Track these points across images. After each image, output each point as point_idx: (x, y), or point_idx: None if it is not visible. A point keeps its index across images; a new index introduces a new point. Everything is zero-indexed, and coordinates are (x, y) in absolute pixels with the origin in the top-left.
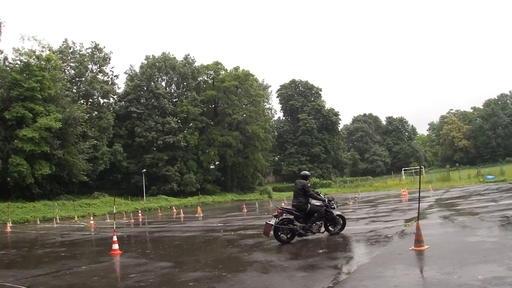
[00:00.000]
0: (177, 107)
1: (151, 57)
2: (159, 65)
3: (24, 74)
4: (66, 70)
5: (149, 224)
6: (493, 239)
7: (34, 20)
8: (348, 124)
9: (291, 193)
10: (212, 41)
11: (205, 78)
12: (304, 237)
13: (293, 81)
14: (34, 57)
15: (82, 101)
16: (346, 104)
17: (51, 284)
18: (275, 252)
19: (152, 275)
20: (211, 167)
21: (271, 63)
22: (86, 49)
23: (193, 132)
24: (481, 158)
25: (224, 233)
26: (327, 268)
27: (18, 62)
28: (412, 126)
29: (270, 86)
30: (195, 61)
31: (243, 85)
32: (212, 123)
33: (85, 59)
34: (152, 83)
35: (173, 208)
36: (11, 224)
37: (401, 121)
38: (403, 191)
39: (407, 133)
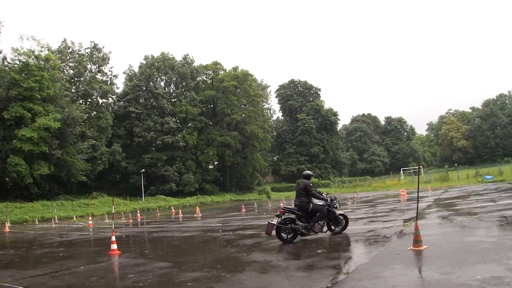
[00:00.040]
0: (176, 107)
1: (150, 57)
2: (158, 65)
3: (23, 74)
4: (65, 70)
5: (147, 224)
6: (491, 239)
7: (33, 20)
8: (347, 124)
9: (290, 193)
10: (211, 41)
11: (204, 78)
12: (307, 237)
13: (292, 81)
14: (33, 57)
15: (81, 101)
16: (345, 104)
17: (50, 284)
18: (273, 252)
19: (150, 275)
20: (210, 167)
21: (270, 63)
22: (85, 49)
23: (192, 132)
24: (479, 158)
25: (222, 233)
26: (326, 268)
27: (17, 62)
28: (411, 126)
29: (269, 86)
30: (194, 61)
31: (242, 85)
32: (211, 123)
33: (84, 59)
34: (151, 83)
35: (172, 208)
36: (9, 224)
37: (400, 121)
38: (402, 191)
39: (405, 133)
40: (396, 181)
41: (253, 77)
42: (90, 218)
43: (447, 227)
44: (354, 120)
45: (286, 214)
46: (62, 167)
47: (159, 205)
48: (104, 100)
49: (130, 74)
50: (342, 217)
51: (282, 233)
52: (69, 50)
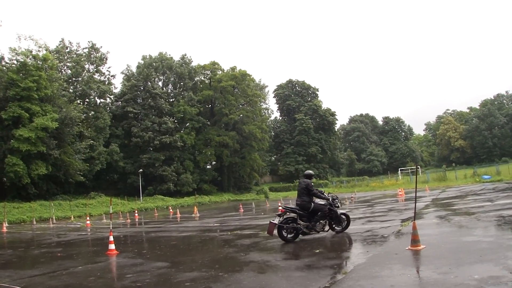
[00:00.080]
0: (173, 107)
1: (148, 57)
2: (156, 65)
3: (21, 74)
4: (62, 70)
5: (145, 224)
6: (489, 239)
7: (30, 20)
8: (345, 124)
9: (288, 193)
10: (209, 41)
11: (202, 78)
12: (308, 236)
13: (290, 81)
14: (30, 56)
15: (78, 101)
16: (342, 104)
17: (47, 284)
18: (271, 252)
19: (148, 275)
20: (208, 167)
21: (268, 63)
22: (83, 49)
23: (189, 132)
24: (477, 158)
25: (220, 233)
26: (324, 268)
27: (15, 62)
28: (409, 126)
29: (267, 86)
30: (192, 61)
31: (240, 85)
32: (208, 123)
33: (82, 59)
34: (149, 83)
35: (170, 208)
36: (7, 224)
37: (398, 121)
38: (400, 191)
39: (403, 133)
40: (394, 181)
41: (251, 77)
42: (88, 218)
43: (444, 227)
44: (352, 120)
45: (288, 213)
46: (60, 167)
47: (157, 205)
48: (102, 100)
49: (128, 74)
50: (344, 217)
51: (283, 232)
52: (67, 50)
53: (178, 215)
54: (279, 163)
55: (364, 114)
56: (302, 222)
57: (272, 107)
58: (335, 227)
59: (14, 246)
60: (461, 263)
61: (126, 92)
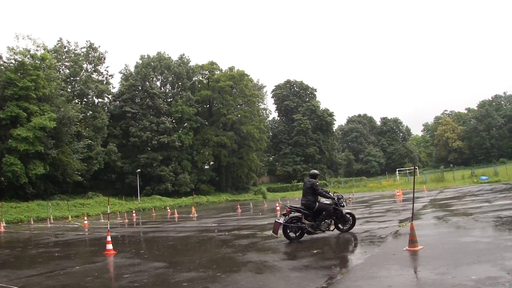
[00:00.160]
0: (171, 107)
1: (146, 56)
2: (154, 65)
3: (19, 73)
4: (60, 70)
5: (143, 224)
6: (487, 240)
7: (29, 19)
8: (343, 124)
9: (286, 193)
10: (207, 41)
11: (200, 78)
12: (313, 235)
13: (288, 82)
14: (28, 56)
15: (76, 101)
16: (340, 104)
17: (45, 284)
18: (269, 253)
19: (146, 275)
20: (206, 167)
21: (266, 64)
22: (81, 48)
23: (187, 132)
24: (475, 159)
25: (218, 233)
26: (321, 268)
27: (13, 61)
28: (407, 127)
29: (265, 86)
30: (190, 61)
31: (238, 85)
32: (206, 123)
33: (80, 59)
34: (147, 83)
35: (167, 208)
36: (4, 224)
37: (396, 121)
38: (397, 192)
39: (401, 134)
40: (392, 181)
41: (249, 77)
42: (85, 218)
43: (442, 227)
44: (350, 120)
45: (293, 212)
46: (58, 167)
47: (155, 205)
48: (100, 100)
49: (126, 73)
50: (349, 216)
51: (289, 232)
52: (65, 50)
53: (176, 215)
54: (277, 164)
55: (362, 114)
56: (307, 222)
57: (270, 108)
58: (341, 227)
59: (12, 246)
60: (459, 264)
61: (124, 92)
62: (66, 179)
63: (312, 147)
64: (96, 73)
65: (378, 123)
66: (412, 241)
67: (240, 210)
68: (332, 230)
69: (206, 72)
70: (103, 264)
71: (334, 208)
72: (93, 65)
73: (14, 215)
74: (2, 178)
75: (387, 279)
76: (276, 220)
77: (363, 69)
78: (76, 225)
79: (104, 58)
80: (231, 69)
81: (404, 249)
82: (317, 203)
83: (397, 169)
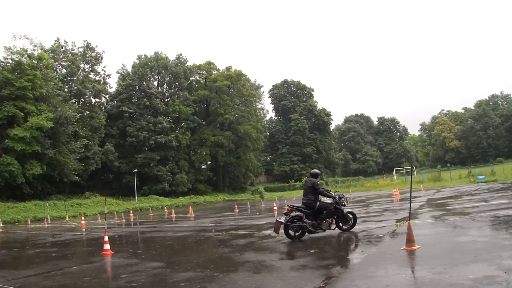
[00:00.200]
0: (169, 106)
1: (143, 56)
2: (151, 65)
3: (16, 73)
4: (57, 69)
5: (140, 224)
6: (484, 239)
7: (26, 19)
8: (340, 124)
9: (283, 193)
10: (205, 41)
11: (197, 78)
12: (315, 234)
13: (285, 81)
14: (25, 56)
15: (73, 101)
16: (338, 104)
17: (42, 284)
18: (267, 252)
19: (143, 275)
20: (203, 167)
21: (264, 63)
22: (78, 48)
23: (185, 132)
24: (472, 158)
25: (215, 233)
26: (319, 268)
27: (10, 61)
28: (404, 126)
29: (262, 86)
30: (188, 61)
31: (235, 85)
32: (204, 123)
33: (77, 58)
34: (144, 83)
35: (165, 208)
36: (1, 224)
37: (393, 121)
38: (395, 191)
39: (398, 134)
40: (389, 181)
41: (246, 77)
42: (82, 218)
43: (439, 227)
44: (347, 120)
45: (294, 212)
46: (55, 167)
47: (152, 205)
48: (97, 100)
49: (123, 73)
50: (350, 215)
51: (290, 231)
52: (62, 49)
53: (173, 215)
54: (274, 163)
55: (359, 114)
56: (308, 221)
57: (267, 107)
58: (342, 226)
59: (9, 246)
60: (456, 263)
61: (121, 92)
62: (63, 179)
63: (309, 147)
64: (93, 73)
65: (375, 122)
66: (410, 241)
67: (237, 210)
68: (333, 229)
69: (204, 72)
70: (100, 264)
71: (335, 207)
72: (90, 65)
73: (11, 215)
74: None
75: (385, 279)
76: (277, 219)
77: (360, 68)
78: (73, 225)
79: (101, 58)
80: (228, 69)
81: (402, 248)
82: (318, 202)
83: (394, 169)
